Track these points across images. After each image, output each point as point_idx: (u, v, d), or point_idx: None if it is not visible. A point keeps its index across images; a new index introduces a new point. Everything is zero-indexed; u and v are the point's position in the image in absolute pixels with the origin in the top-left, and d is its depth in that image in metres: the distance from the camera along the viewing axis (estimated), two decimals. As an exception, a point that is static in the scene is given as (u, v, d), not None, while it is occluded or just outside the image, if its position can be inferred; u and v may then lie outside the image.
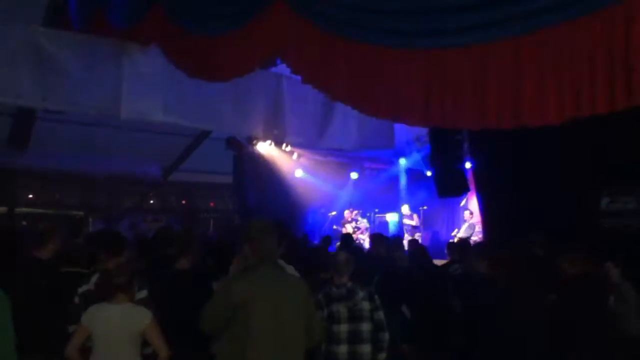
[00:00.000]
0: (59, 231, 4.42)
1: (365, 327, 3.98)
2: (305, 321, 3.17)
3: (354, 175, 14.16)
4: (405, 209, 13.55)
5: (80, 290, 3.88)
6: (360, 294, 4.05)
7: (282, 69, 6.22)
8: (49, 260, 4.24)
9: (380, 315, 4.07)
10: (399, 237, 7.83)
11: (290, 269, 4.22)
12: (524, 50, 3.00)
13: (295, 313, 3.11)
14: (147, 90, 6.94)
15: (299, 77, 4.84)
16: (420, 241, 7.99)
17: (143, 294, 3.94)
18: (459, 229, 12.67)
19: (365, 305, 4.02)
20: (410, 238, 10.03)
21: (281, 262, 4.16)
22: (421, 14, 3.41)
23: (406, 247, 7.36)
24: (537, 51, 2.95)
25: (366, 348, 3.96)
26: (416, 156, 12.93)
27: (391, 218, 14.19)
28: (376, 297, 4.15)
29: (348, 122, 8.45)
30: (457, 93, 3.36)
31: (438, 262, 7.21)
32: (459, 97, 3.35)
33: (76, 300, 3.85)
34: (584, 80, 2.78)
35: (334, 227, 13.51)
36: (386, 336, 4.06)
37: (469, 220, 12.38)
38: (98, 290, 3.81)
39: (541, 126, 3.13)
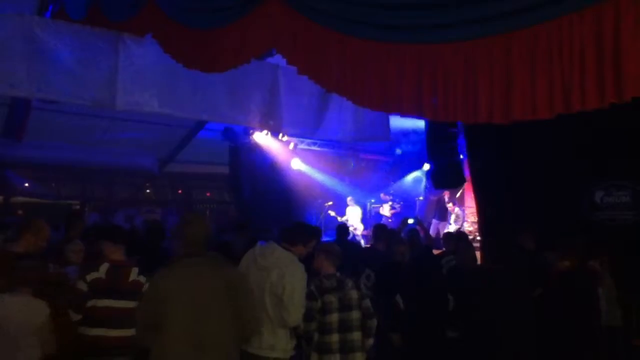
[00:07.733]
0: (34, 226, 4.37)
1: (355, 315, 4.15)
2: (234, 312, 3.13)
3: (350, 166, 14.17)
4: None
5: (89, 278, 3.82)
6: (349, 283, 4.22)
7: (278, 59, 6.19)
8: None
9: (367, 303, 4.26)
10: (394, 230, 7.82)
11: (287, 256, 4.04)
12: (515, 46, 3.02)
13: (219, 305, 3.08)
14: (142, 82, 6.90)
15: (294, 68, 4.86)
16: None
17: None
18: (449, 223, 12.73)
19: (354, 294, 4.19)
20: (411, 228, 10.03)
21: (274, 246, 4.00)
22: (413, 8, 3.43)
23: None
24: (528, 47, 2.97)
25: (356, 335, 4.13)
26: (412, 148, 12.95)
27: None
28: (362, 286, 4.40)
29: (343, 113, 8.45)
30: (448, 87, 3.38)
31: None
32: (450, 92, 3.37)
33: (84, 288, 3.80)
34: (574, 77, 2.80)
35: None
36: (374, 322, 4.25)
37: (453, 211, 12.48)
38: (108, 279, 3.82)
39: (533, 120, 3.15)
